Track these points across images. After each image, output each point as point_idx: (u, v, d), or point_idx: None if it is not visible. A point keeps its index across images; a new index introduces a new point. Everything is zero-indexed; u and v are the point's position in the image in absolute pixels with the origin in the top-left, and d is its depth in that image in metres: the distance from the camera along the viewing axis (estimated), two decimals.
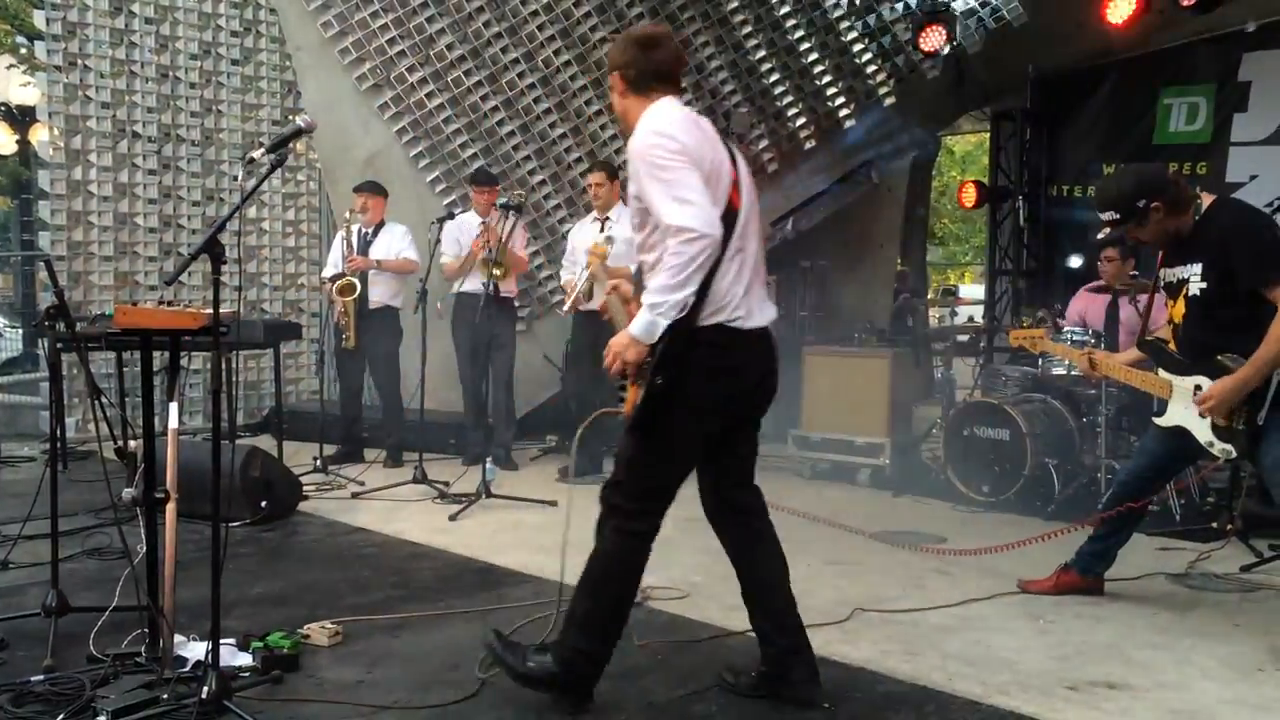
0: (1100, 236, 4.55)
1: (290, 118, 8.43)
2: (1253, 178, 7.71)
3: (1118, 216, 3.98)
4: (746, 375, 3.17)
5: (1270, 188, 7.04)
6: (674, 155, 2.96)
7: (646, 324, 2.95)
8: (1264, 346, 3.71)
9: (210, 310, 3.06)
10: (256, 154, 3.20)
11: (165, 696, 3.01)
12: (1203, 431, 3.97)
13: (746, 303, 3.11)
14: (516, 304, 7.48)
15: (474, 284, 6.88)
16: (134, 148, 8.34)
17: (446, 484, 6.34)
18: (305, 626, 3.72)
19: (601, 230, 6.74)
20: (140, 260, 8.41)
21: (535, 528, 5.53)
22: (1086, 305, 6.51)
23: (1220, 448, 3.94)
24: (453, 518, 5.69)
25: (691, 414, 3.09)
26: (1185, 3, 7.07)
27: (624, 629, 3.19)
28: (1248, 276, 3.77)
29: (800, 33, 8.67)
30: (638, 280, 3.28)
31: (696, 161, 2.98)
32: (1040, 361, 6.34)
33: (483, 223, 6.93)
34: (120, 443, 3.87)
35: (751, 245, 3.16)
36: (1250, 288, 3.77)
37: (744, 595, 3.35)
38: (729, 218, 3.05)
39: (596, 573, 3.16)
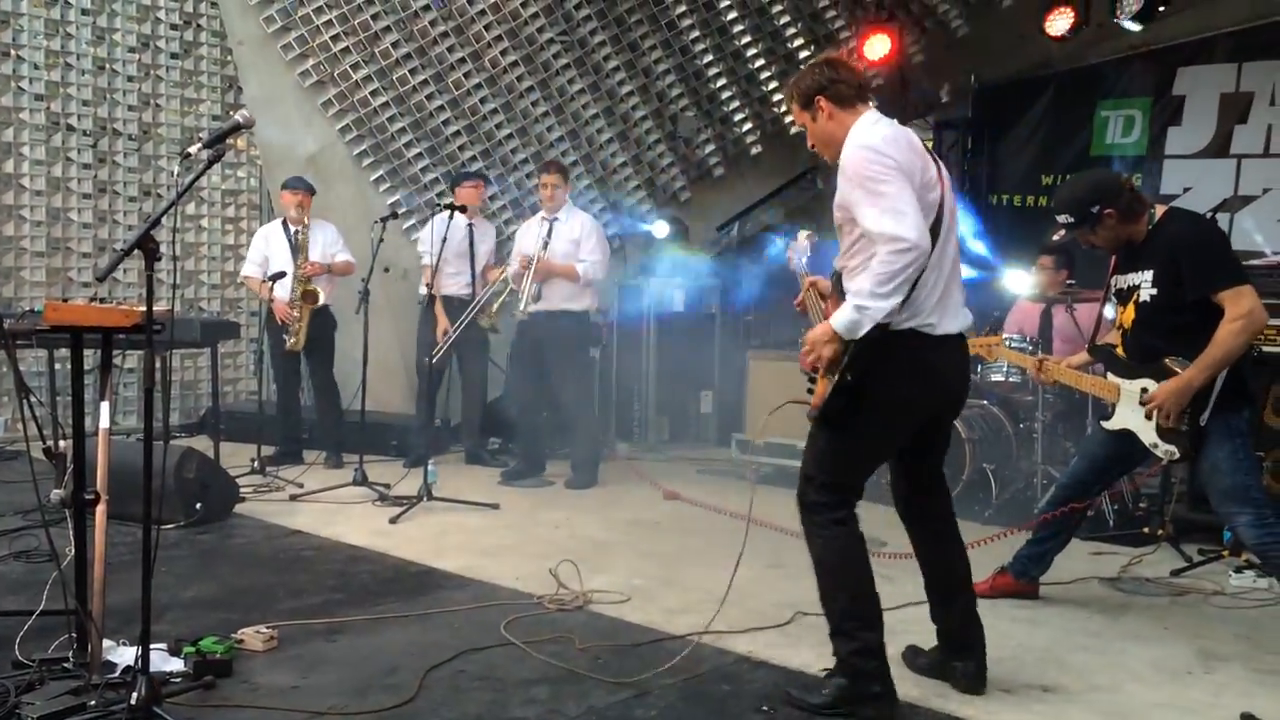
0: (1055, 238, 4.67)
1: (230, 113, 8.30)
2: (1186, 190, 7.88)
3: (1072, 220, 4.07)
4: (933, 380, 3.27)
5: (1204, 200, 7.19)
6: (889, 171, 3.04)
7: (850, 321, 3.04)
8: (1210, 348, 3.78)
9: (144, 308, 3.00)
10: (194, 149, 3.17)
11: (93, 703, 2.95)
12: (1148, 434, 4.03)
13: (939, 310, 3.19)
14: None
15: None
16: (69, 141, 8.16)
17: (387, 486, 6.27)
18: (239, 631, 3.66)
19: (549, 231, 6.71)
20: (74, 256, 8.22)
21: (477, 531, 5.49)
22: (1025, 314, 6.59)
23: (1164, 449, 4.00)
24: (393, 520, 5.62)
25: (878, 413, 3.20)
26: (1121, 15, 7.22)
27: (880, 608, 3.27)
28: (1196, 284, 3.84)
29: (747, 38, 8.70)
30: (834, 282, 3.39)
31: (909, 176, 3.07)
32: (979, 368, 6.41)
33: (469, 224, 6.99)
34: (49, 443, 3.78)
35: (949, 252, 3.24)
36: (1198, 295, 3.84)
37: (925, 587, 3.53)
38: (935, 229, 3.14)
39: (827, 573, 3.31)
